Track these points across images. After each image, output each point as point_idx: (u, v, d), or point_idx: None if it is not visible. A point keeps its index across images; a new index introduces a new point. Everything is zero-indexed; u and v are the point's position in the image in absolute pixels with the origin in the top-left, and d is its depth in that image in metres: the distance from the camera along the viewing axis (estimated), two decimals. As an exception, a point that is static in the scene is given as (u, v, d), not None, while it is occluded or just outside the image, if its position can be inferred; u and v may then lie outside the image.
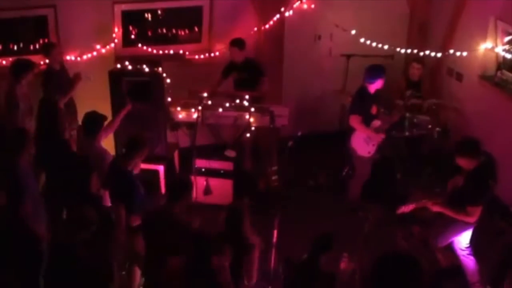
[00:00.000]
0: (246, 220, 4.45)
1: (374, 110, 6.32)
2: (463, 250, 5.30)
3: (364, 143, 6.29)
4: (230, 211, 4.54)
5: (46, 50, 6.47)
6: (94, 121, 5.40)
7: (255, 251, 4.43)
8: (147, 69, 6.26)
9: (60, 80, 6.41)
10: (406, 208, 5.19)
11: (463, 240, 5.28)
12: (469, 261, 5.30)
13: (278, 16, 7.13)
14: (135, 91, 6.20)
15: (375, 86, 6.23)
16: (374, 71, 6.23)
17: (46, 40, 6.75)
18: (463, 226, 5.15)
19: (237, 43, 6.78)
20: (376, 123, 6.30)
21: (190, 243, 4.15)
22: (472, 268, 5.30)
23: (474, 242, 5.31)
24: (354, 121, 6.25)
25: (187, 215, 4.82)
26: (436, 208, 5.09)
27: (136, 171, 5.11)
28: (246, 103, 6.47)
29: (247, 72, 6.87)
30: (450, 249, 5.37)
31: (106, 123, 5.64)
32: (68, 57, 6.73)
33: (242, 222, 4.42)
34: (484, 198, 5.01)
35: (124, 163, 4.98)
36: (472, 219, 5.00)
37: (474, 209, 4.95)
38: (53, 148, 5.46)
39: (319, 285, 4.24)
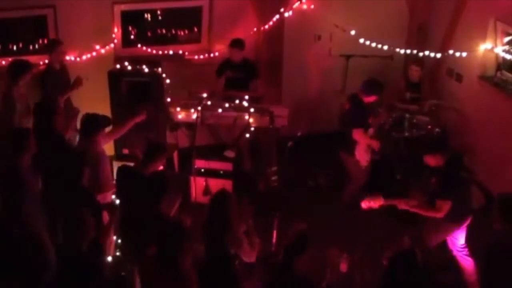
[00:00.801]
0: (232, 210, 4.27)
1: (370, 119, 6.31)
2: (459, 250, 5.30)
3: (365, 153, 6.27)
4: (214, 199, 4.38)
5: (50, 47, 6.44)
6: (93, 122, 5.35)
7: (242, 245, 4.31)
8: (146, 70, 6.26)
9: (60, 80, 6.40)
10: (373, 203, 5.16)
11: (456, 240, 5.27)
12: (466, 261, 5.29)
13: (277, 16, 7.13)
14: (134, 91, 6.20)
15: (369, 99, 6.19)
16: (372, 87, 6.17)
17: (45, 41, 6.73)
18: (449, 227, 5.16)
19: (239, 44, 6.78)
20: (371, 130, 6.30)
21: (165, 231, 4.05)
22: (469, 269, 5.29)
23: (472, 242, 5.29)
24: (358, 134, 6.13)
25: (181, 213, 4.82)
26: (402, 206, 5.10)
27: None
28: (245, 104, 6.47)
29: (243, 72, 6.87)
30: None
31: (109, 128, 5.63)
32: (67, 57, 6.71)
33: (228, 211, 4.26)
34: (453, 191, 5.00)
35: (142, 168, 4.98)
36: (440, 214, 4.99)
37: (442, 203, 4.96)
38: (49, 147, 5.43)
39: None
